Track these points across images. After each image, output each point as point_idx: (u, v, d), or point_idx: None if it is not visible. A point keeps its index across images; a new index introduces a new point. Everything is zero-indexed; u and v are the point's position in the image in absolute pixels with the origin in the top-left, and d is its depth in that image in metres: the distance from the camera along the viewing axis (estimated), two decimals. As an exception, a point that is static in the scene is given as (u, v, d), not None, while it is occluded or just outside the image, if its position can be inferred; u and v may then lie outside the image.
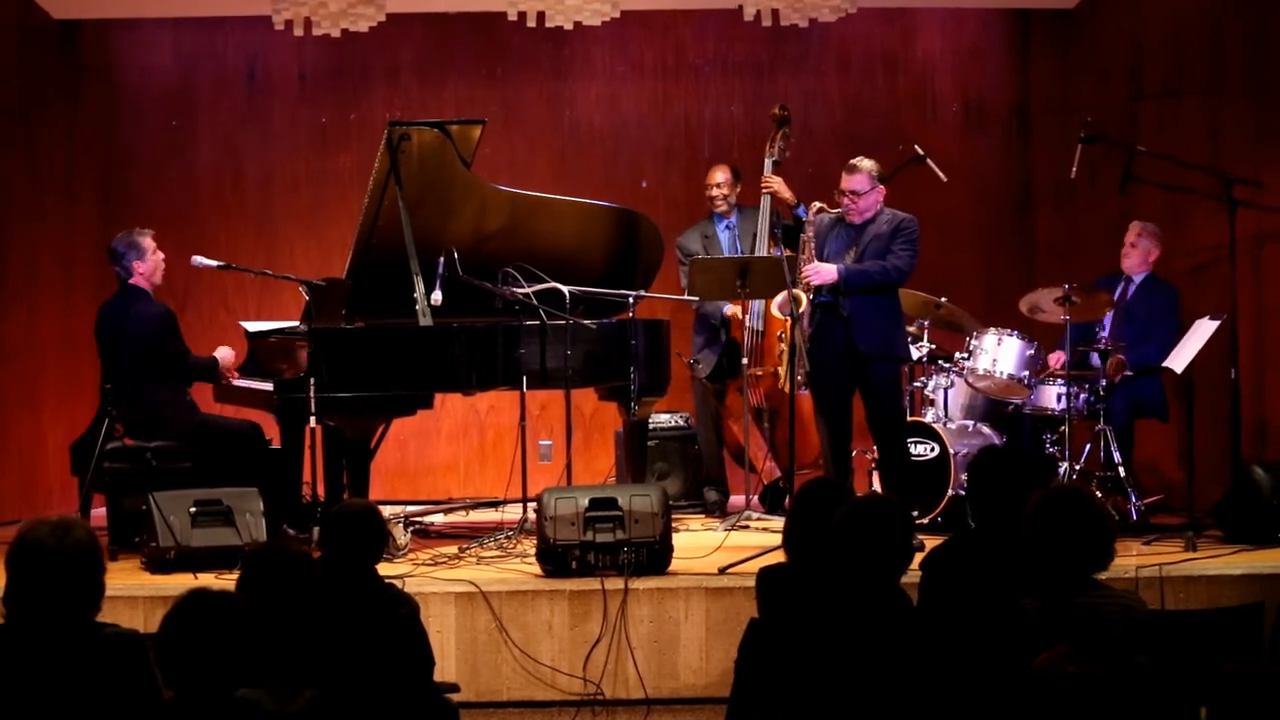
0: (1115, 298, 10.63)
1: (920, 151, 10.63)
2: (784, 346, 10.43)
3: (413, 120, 10.07)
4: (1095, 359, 10.31)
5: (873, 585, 5.44)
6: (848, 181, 9.45)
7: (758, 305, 10.81)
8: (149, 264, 9.85)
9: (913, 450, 10.11)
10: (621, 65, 12.84)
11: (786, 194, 10.42)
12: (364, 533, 6.29)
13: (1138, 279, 10.77)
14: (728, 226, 11.09)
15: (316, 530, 9.00)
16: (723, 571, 8.48)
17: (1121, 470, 10.03)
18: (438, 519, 10.96)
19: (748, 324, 10.75)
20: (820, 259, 9.47)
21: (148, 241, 9.87)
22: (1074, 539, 5.43)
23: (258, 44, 12.59)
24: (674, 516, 9.15)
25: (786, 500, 10.40)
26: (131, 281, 9.82)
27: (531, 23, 11.75)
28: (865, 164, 9.49)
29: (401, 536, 9.21)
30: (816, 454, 10.35)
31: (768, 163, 10.80)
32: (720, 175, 11.12)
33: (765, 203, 10.82)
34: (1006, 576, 5.70)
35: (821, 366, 9.39)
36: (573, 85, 12.84)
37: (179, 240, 11.75)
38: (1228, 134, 11.12)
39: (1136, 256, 10.77)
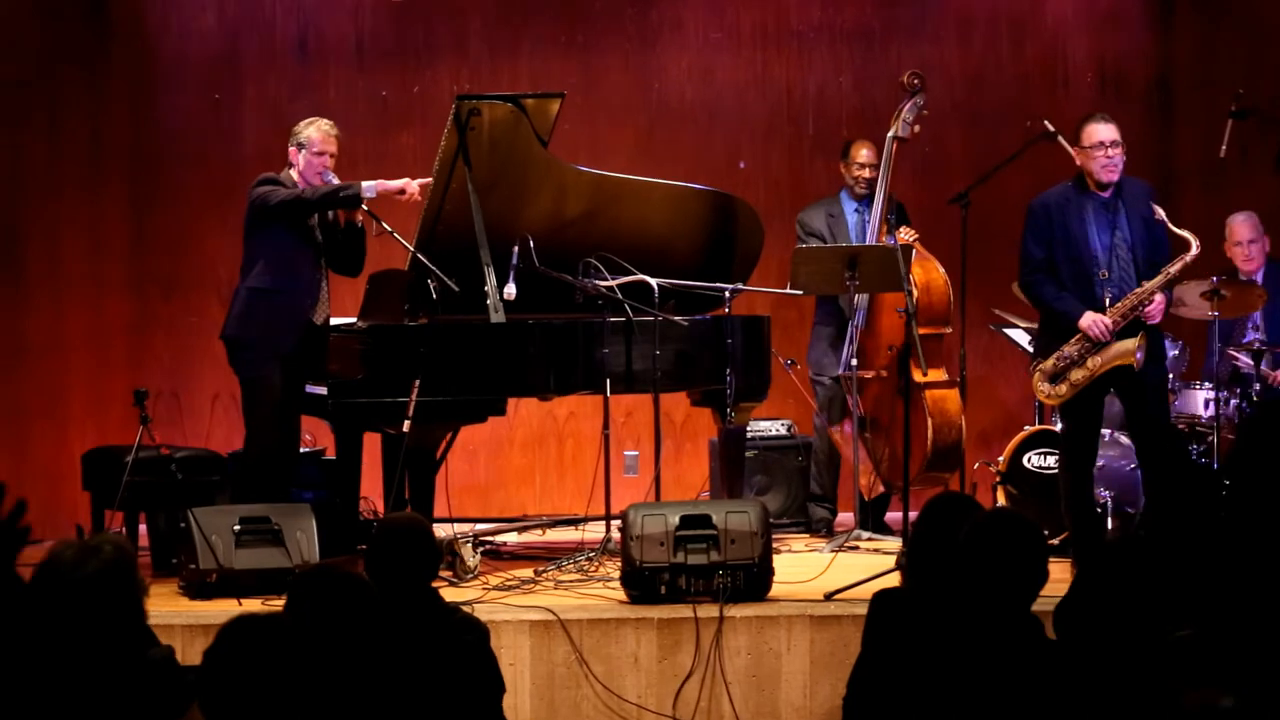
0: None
1: (1050, 128, 10.55)
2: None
3: (483, 94, 10.08)
4: (1246, 360, 10.20)
5: (1002, 612, 5.38)
6: (1111, 132, 9.32)
7: (861, 299, 10.70)
8: (303, 161, 9.83)
9: (1041, 462, 10.03)
10: (716, 32, 12.79)
11: None
12: (411, 549, 6.20)
13: (1260, 276, 10.64)
14: (858, 209, 10.97)
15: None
16: (829, 598, 8.46)
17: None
18: (511, 538, 11.02)
19: (852, 321, 10.64)
20: (1071, 240, 9.31)
21: (314, 134, 9.87)
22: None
23: (311, 8, 12.60)
24: (775, 536, 9.13)
25: (885, 518, 10.45)
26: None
27: (615, -15, 11.77)
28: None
29: (471, 558, 9.23)
30: (920, 466, 10.31)
31: (889, 137, 10.72)
32: (867, 152, 10.96)
33: (882, 187, 10.73)
34: (1161, 603, 5.61)
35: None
36: (661, 55, 12.80)
37: (221, 226, 11.74)
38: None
39: (1259, 253, 10.61)
